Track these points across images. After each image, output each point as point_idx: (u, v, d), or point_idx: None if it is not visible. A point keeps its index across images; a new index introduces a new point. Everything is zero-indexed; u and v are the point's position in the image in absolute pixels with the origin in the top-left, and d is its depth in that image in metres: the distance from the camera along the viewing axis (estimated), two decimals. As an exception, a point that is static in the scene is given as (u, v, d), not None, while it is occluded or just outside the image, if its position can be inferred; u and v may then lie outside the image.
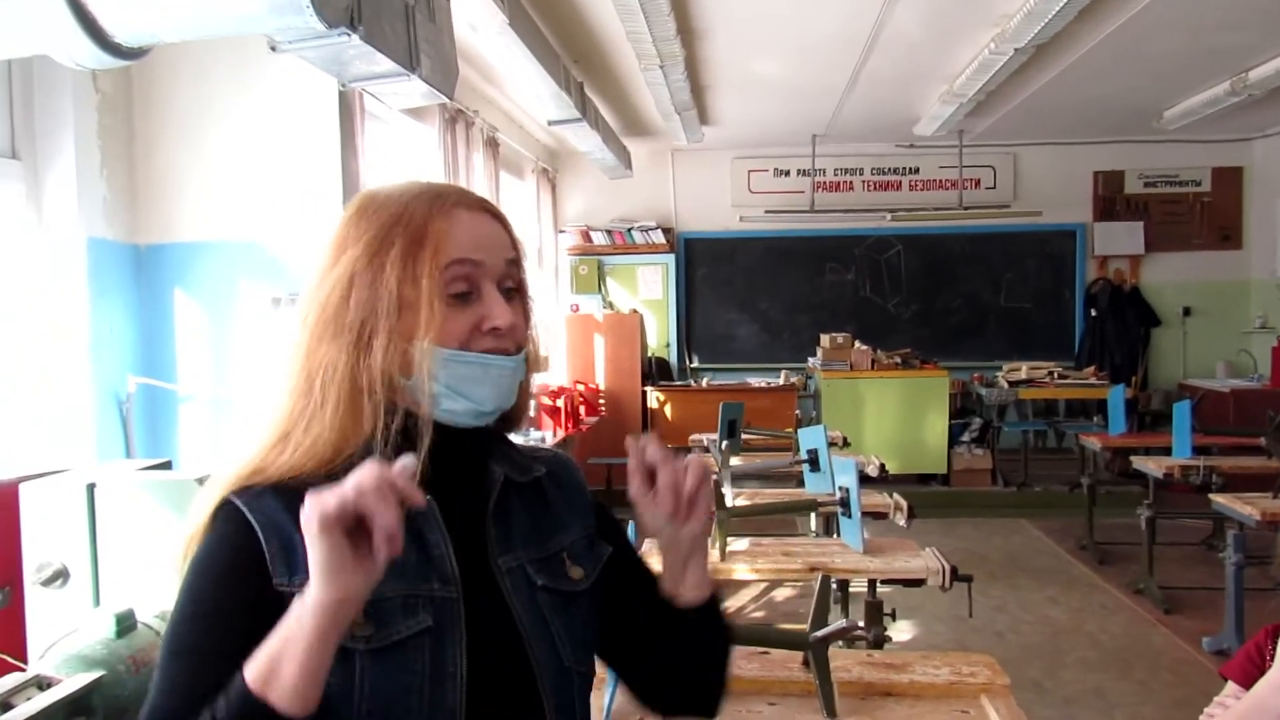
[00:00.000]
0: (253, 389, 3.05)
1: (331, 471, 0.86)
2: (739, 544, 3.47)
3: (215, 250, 3.08)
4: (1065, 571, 5.86)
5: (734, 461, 4.71)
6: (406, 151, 5.34)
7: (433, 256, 0.90)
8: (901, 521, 4.08)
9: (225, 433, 3.03)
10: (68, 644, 1.55)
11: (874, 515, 4.22)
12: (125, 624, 1.60)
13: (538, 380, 6.20)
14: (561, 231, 8.67)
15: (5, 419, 2.63)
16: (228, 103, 3.03)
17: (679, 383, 8.18)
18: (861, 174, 8.76)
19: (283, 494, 0.88)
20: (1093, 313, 8.46)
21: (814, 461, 4.31)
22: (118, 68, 2.29)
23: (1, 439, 2.58)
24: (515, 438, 1.08)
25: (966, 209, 8.13)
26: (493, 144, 6.45)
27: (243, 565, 0.86)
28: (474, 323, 0.93)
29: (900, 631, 4.74)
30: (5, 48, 2.20)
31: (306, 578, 0.78)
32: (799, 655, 2.23)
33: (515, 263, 0.98)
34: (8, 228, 2.66)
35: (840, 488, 3.41)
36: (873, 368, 7.52)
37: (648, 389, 7.86)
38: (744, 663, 2.30)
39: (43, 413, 2.71)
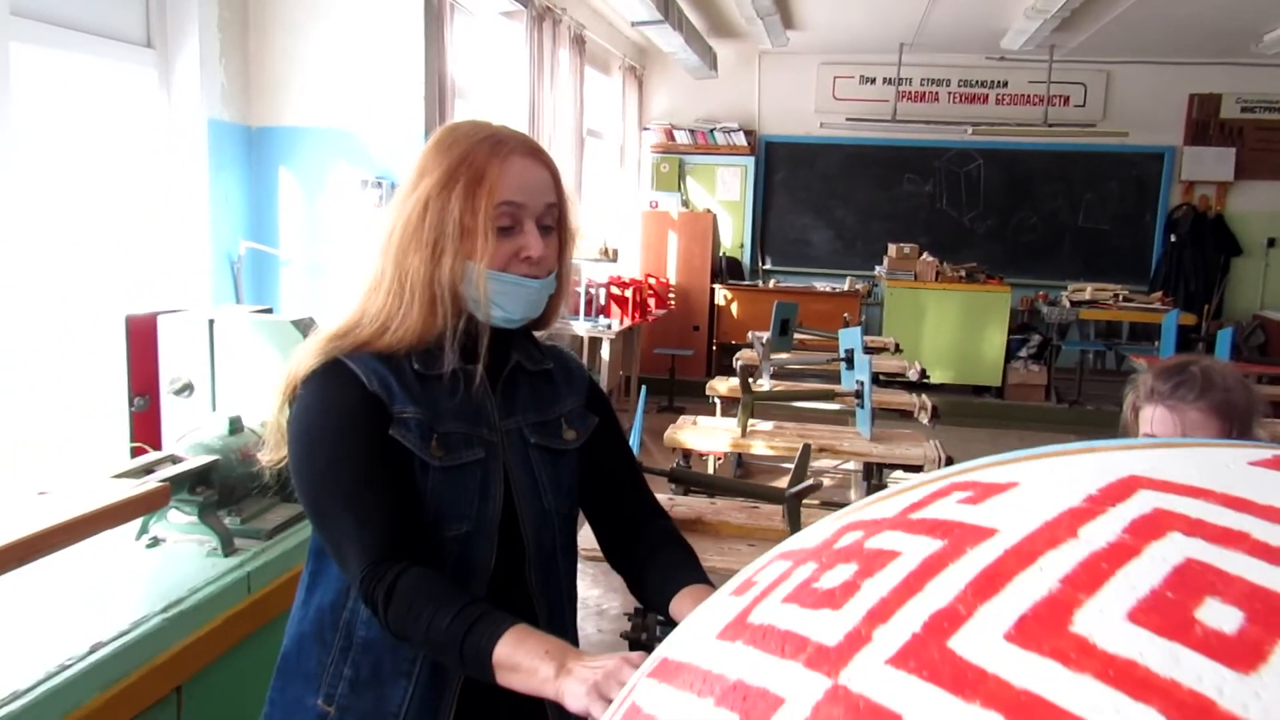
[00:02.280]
0: (341, 256, 3.53)
1: (416, 350, 1.21)
2: (764, 425, 3.86)
3: (314, 135, 3.51)
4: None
5: (778, 356, 5.07)
6: (495, 47, 5.66)
7: (488, 195, 1.16)
8: (925, 420, 4.41)
9: (317, 291, 3.52)
10: (193, 436, 2.05)
11: (902, 413, 4.56)
12: (235, 425, 2.09)
13: (611, 270, 6.58)
14: (646, 129, 8.90)
15: (143, 270, 3.15)
16: (330, 1, 3.42)
17: (747, 283, 8.48)
18: (948, 85, 8.73)
19: (382, 359, 1.20)
20: (1172, 238, 8.40)
21: (849, 360, 4.65)
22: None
23: (141, 284, 3.11)
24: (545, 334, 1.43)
25: (1051, 126, 8.08)
26: (579, 41, 6.71)
27: (358, 406, 1.18)
28: (514, 252, 1.19)
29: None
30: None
31: (405, 404, 1.17)
32: (780, 510, 2.63)
33: (555, 205, 1.24)
34: (142, 109, 3.13)
35: (857, 381, 3.75)
36: (937, 279, 7.69)
37: (716, 286, 8.18)
38: (735, 513, 2.71)
39: (171, 266, 3.23)
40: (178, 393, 2.20)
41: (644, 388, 3.31)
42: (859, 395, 3.70)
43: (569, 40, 6.53)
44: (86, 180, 3.00)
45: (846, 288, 8.04)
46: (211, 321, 2.20)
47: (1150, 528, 0.39)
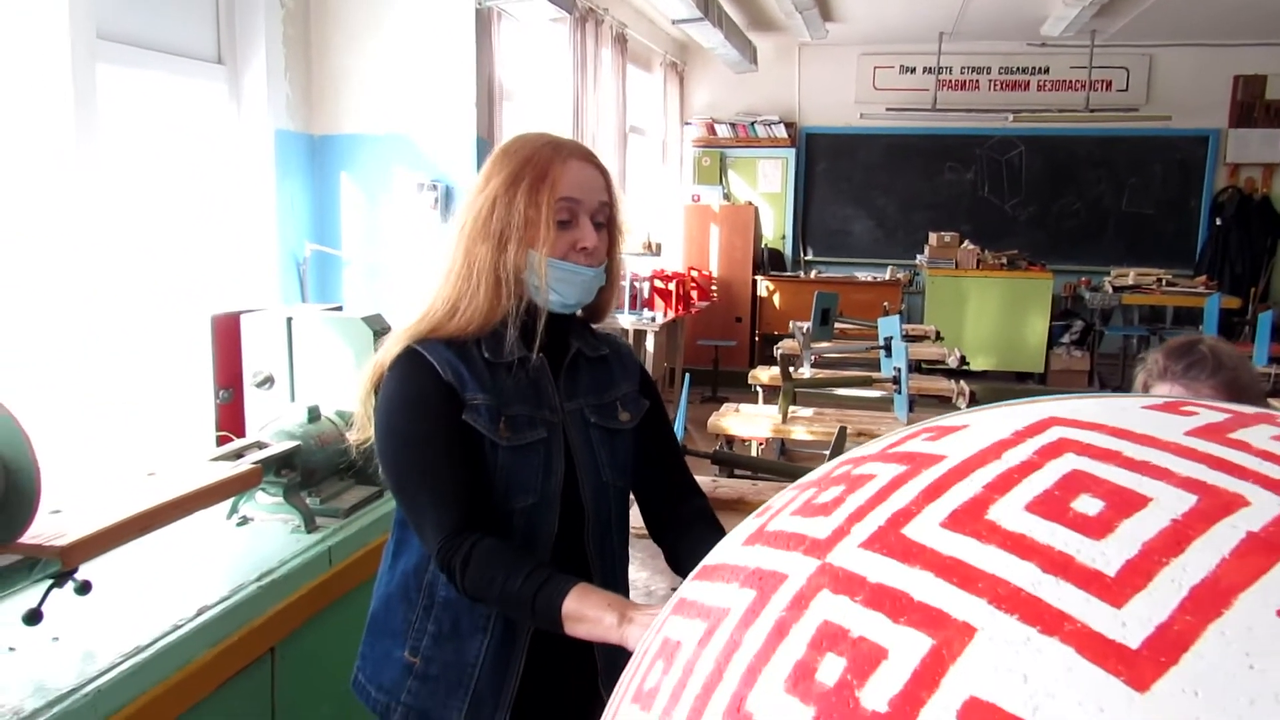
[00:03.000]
0: (399, 256, 3.73)
1: (484, 333, 1.35)
2: (805, 411, 3.99)
3: (373, 141, 3.71)
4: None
5: (818, 345, 5.19)
6: (541, 50, 5.82)
7: (550, 191, 1.31)
8: (963, 405, 4.51)
9: (378, 289, 3.72)
10: (275, 424, 2.24)
11: (940, 398, 4.67)
12: (313, 414, 2.28)
13: (654, 264, 6.72)
14: (688, 123, 9.04)
15: (218, 272, 3.37)
16: (385, 15, 3.61)
17: (788, 274, 8.58)
18: (989, 73, 8.74)
19: (452, 345, 1.35)
20: (1218, 222, 8.35)
21: (888, 348, 4.76)
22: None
23: (216, 285, 3.32)
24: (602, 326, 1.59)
25: (1093, 111, 8.07)
26: (621, 40, 6.86)
27: (434, 394, 1.33)
28: (571, 243, 1.34)
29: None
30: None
31: (475, 391, 1.32)
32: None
33: (607, 203, 1.39)
34: (214, 121, 3.35)
35: (894, 368, 3.87)
36: (978, 267, 7.74)
37: (758, 278, 8.30)
38: (775, 493, 2.85)
39: (242, 268, 3.45)
40: (259, 385, 2.40)
41: (687, 376, 3.46)
42: (896, 381, 3.82)
43: (611, 40, 6.68)
44: (165, 189, 3.21)
45: (888, 277, 8.11)
46: (290, 319, 2.39)
47: (1053, 450, 0.53)
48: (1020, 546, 0.47)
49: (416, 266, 3.69)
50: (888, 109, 8.59)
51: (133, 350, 2.93)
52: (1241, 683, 0.38)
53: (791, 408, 3.92)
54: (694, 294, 7.76)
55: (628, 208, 1.49)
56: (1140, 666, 0.40)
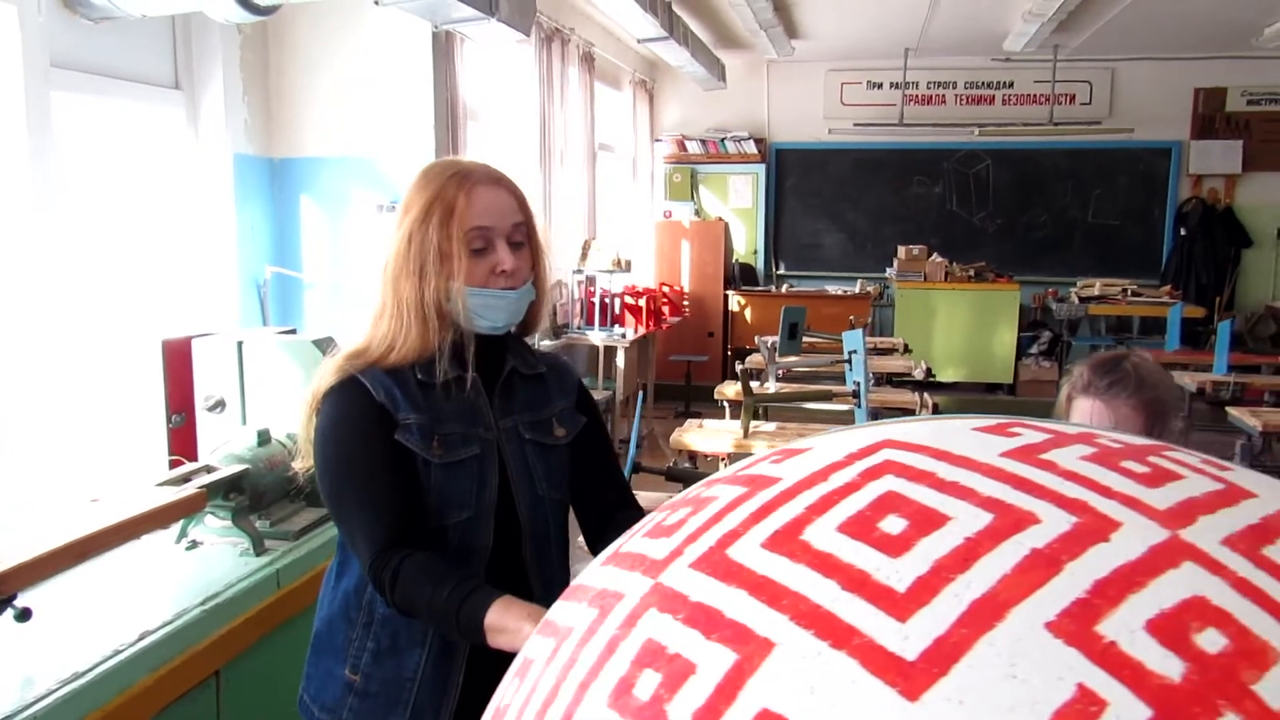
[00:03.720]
0: (360, 276, 3.74)
1: (420, 362, 1.38)
2: (768, 426, 4.03)
3: (333, 164, 3.73)
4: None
5: (784, 359, 5.23)
6: (507, 69, 5.86)
7: (459, 223, 1.35)
8: (927, 418, 4.56)
9: (339, 310, 3.74)
10: (225, 448, 2.25)
11: (903, 410, 4.71)
12: (263, 438, 2.29)
13: (626, 280, 6.74)
14: (658, 140, 9.10)
15: (176, 296, 3.38)
16: (343, 39, 3.64)
17: (760, 288, 8.64)
18: (955, 88, 8.85)
19: (390, 373, 1.38)
20: (1182, 232, 8.47)
21: (853, 361, 4.81)
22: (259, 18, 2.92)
23: (175, 308, 3.33)
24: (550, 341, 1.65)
25: (1056, 124, 8.19)
26: (588, 59, 6.92)
27: (366, 416, 1.36)
28: (490, 268, 1.37)
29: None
30: (168, 6, 2.84)
31: (408, 412, 1.35)
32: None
33: (522, 224, 1.42)
34: (172, 146, 3.36)
35: (854, 382, 3.91)
36: (946, 279, 7.81)
37: (729, 293, 8.35)
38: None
39: (202, 291, 3.45)
40: (211, 409, 2.41)
41: (641, 395, 3.48)
42: (856, 394, 3.86)
43: (578, 59, 6.74)
44: (123, 214, 3.22)
45: (858, 290, 8.18)
46: (240, 343, 2.41)
47: (875, 472, 0.56)
48: (826, 565, 0.49)
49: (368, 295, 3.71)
50: (855, 124, 8.68)
51: (89, 376, 2.93)
52: (1002, 691, 0.41)
53: (755, 422, 3.95)
54: (665, 309, 7.80)
55: (545, 225, 1.52)
56: (914, 678, 0.43)
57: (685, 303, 8.21)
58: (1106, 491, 0.52)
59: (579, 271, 6.56)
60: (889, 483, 0.55)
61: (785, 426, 4.01)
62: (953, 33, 7.66)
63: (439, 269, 1.35)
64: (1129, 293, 7.73)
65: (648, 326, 7.01)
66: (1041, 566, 0.47)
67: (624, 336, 6.55)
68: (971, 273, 7.87)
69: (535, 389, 1.52)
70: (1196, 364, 5.88)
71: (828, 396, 4.13)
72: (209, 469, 2.14)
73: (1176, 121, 8.47)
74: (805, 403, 4.25)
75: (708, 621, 0.50)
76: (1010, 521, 0.50)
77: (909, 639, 0.44)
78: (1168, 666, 0.41)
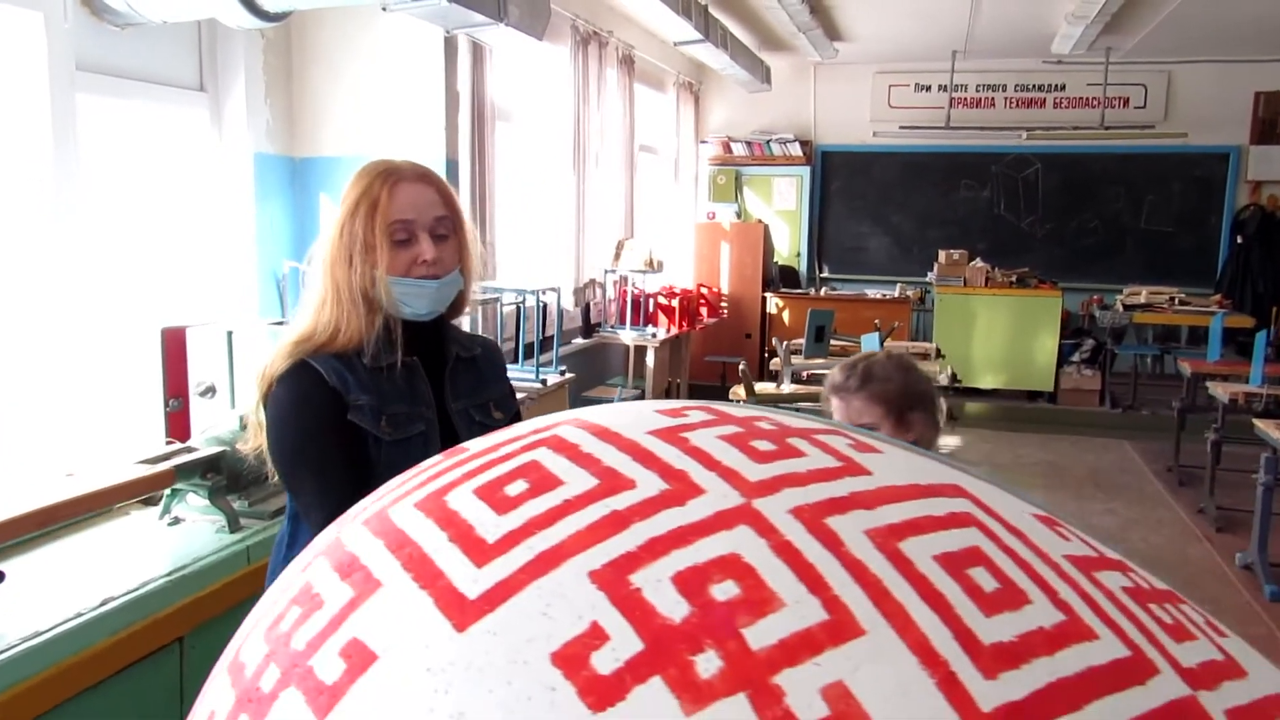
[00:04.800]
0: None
1: (363, 347, 1.47)
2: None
3: (350, 163, 3.84)
4: (1140, 489, 6.09)
5: (807, 361, 5.26)
6: (541, 71, 5.98)
7: (382, 216, 1.46)
8: (943, 422, 4.56)
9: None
10: (210, 431, 2.40)
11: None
12: (244, 422, 2.44)
13: (662, 281, 6.81)
14: (704, 142, 9.15)
15: (196, 289, 3.57)
16: (360, 43, 3.79)
17: (798, 290, 8.64)
18: (1004, 90, 8.74)
19: (339, 358, 1.48)
20: (1239, 239, 8.23)
21: (869, 365, 4.81)
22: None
23: (195, 302, 3.52)
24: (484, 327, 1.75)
25: (1108, 128, 8.03)
26: (628, 61, 7.01)
27: (320, 397, 1.46)
28: (412, 259, 1.47)
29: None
30: (186, 13, 3.02)
31: (359, 393, 1.45)
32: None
33: (446, 218, 1.52)
34: (196, 146, 3.55)
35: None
36: (986, 284, 7.72)
37: (767, 295, 8.37)
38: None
39: (224, 285, 3.64)
40: (202, 394, 2.56)
41: (619, 390, 3.54)
42: (856, 398, 3.89)
43: (617, 61, 6.83)
44: (147, 212, 3.41)
45: (897, 294, 8.13)
46: (230, 333, 2.56)
47: (536, 445, 0.63)
48: (447, 520, 0.56)
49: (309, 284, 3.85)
50: (901, 127, 8.62)
51: (107, 365, 3.12)
52: (531, 626, 0.47)
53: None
54: (704, 310, 7.86)
55: (470, 220, 1.62)
56: (468, 612, 0.50)
57: (723, 304, 8.26)
58: (712, 464, 0.59)
59: (611, 271, 6.66)
60: (538, 453, 0.61)
61: (788, 427, 4.06)
62: (1000, 35, 7.57)
63: (364, 259, 1.45)
64: (1176, 300, 7.54)
65: (680, 327, 7.08)
66: (611, 525, 0.53)
67: (655, 336, 6.63)
68: (1014, 278, 7.76)
69: (475, 374, 1.64)
70: (1238, 375, 5.73)
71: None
72: (190, 450, 2.29)
73: (1235, 125, 8.23)
74: (806, 403, 4.27)
75: (348, 566, 0.58)
76: (609, 487, 0.56)
77: (477, 581, 0.50)
78: (675, 610, 0.47)
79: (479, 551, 0.53)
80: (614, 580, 0.49)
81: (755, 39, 7.93)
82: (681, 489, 0.57)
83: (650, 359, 6.60)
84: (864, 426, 1.59)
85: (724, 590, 0.49)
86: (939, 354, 6.45)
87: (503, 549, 0.52)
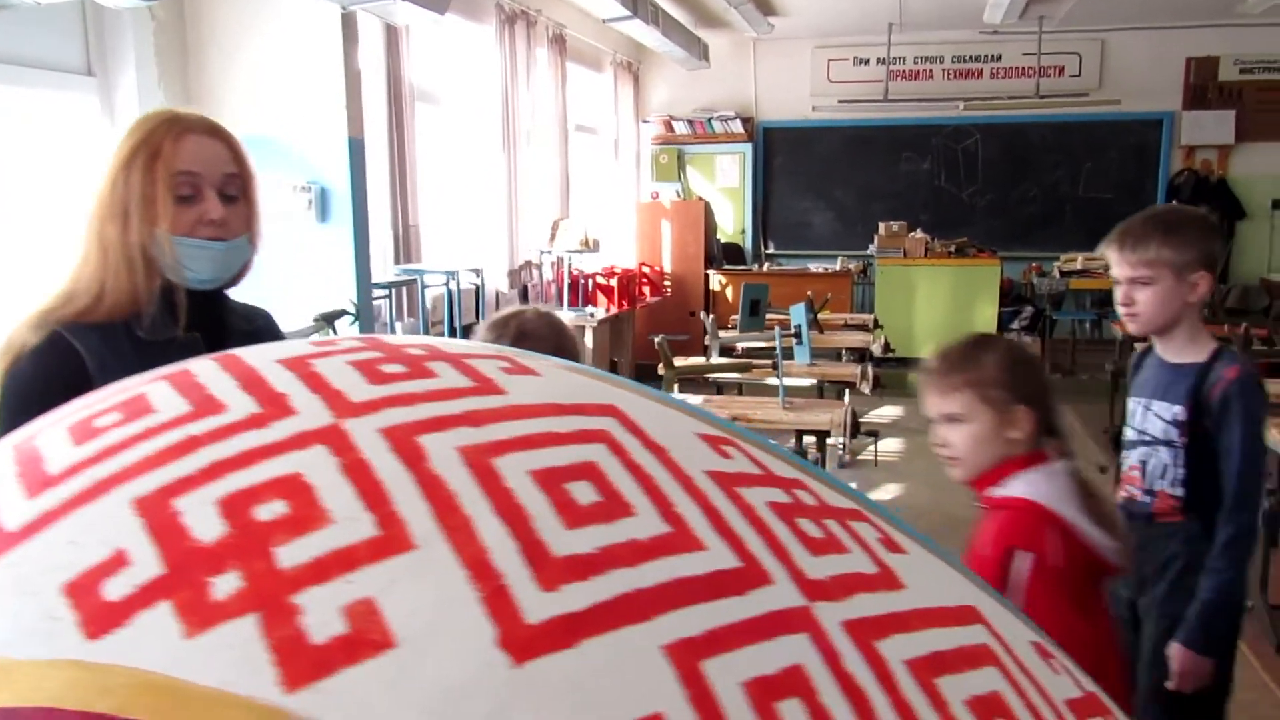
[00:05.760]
0: (279, 257, 3.82)
1: (133, 313, 1.31)
2: (695, 399, 4.05)
3: (252, 145, 3.79)
4: (1080, 451, 6.11)
5: (738, 335, 5.25)
6: (464, 51, 5.91)
7: (164, 167, 1.29)
8: (867, 390, 4.57)
9: (261, 291, 3.81)
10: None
11: (845, 384, 4.72)
12: None
13: (603, 261, 6.77)
14: (645, 121, 9.10)
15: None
16: (257, 24, 3.71)
17: (740, 267, 8.63)
18: (942, 62, 8.76)
19: (101, 330, 1.30)
20: (1174, 204, 8.31)
21: (799, 335, 4.82)
22: (144, 3, 3.00)
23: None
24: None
25: (1043, 98, 8.07)
26: (559, 40, 6.94)
27: (76, 386, 1.15)
28: (197, 217, 1.31)
29: (881, 490, 5.22)
30: (61, -6, 2.93)
31: (120, 376, 1.32)
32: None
33: (235, 176, 1.38)
34: (86, 133, 3.45)
35: (795, 326, 3.96)
36: (926, 255, 7.75)
37: (710, 272, 8.35)
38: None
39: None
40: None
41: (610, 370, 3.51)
42: (798, 336, 3.91)
43: (548, 40, 6.76)
44: (34, 201, 3.31)
45: (838, 267, 8.15)
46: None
47: (158, 379, 0.59)
48: (24, 456, 0.54)
49: (294, 266, 3.79)
50: (840, 101, 8.62)
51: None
52: (52, 556, 0.46)
53: (683, 397, 3.98)
54: (647, 289, 7.83)
55: (261, 182, 1.48)
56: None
57: (666, 282, 8.23)
58: (319, 386, 0.55)
59: (547, 251, 6.61)
60: (151, 386, 0.58)
61: (711, 399, 4.04)
62: (933, 6, 7.58)
63: (142, 214, 1.29)
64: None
65: (621, 306, 7.05)
66: (180, 450, 0.50)
67: (593, 316, 6.59)
68: (953, 248, 7.80)
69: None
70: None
71: (747, 369, 4.15)
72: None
73: (1168, 92, 8.31)
74: (722, 374, 4.27)
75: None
76: (198, 413, 0.53)
77: (20, 514, 0.49)
78: (209, 532, 0.45)
79: (36, 484, 0.51)
80: (157, 505, 0.47)
81: (690, 16, 7.88)
82: (271, 412, 0.54)
83: (589, 339, 6.57)
84: None
85: (270, 510, 0.47)
86: (876, 324, 6.48)
87: (60, 479, 0.50)
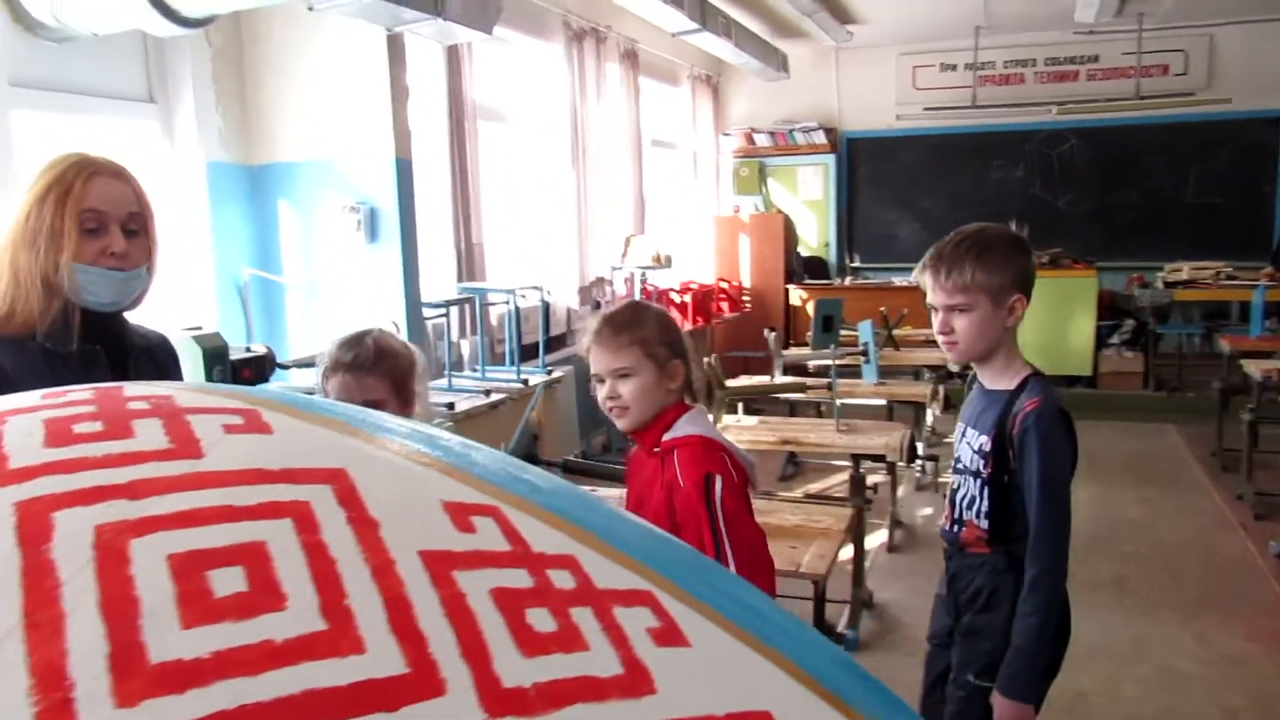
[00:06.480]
0: (333, 277, 3.87)
1: (42, 331, 1.47)
2: (750, 420, 3.93)
3: (306, 168, 3.86)
4: (1179, 476, 5.76)
5: (806, 352, 5.09)
6: (528, 67, 5.91)
7: (74, 205, 1.46)
8: (938, 411, 4.36)
9: (315, 310, 3.87)
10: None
11: (915, 405, 4.51)
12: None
13: (681, 277, 6.67)
14: (726, 134, 8.99)
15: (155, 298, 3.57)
16: (308, 48, 3.76)
17: (823, 281, 8.43)
18: (1034, 65, 8.39)
19: (11, 342, 1.47)
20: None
21: (866, 353, 4.64)
22: (196, 31, 3.06)
23: (153, 310, 3.52)
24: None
25: (1144, 98, 7.65)
26: (631, 56, 6.90)
27: None
28: (101, 249, 1.48)
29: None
30: (110, 25, 3.01)
31: (32, 381, 1.38)
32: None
33: (137, 214, 1.54)
34: (148, 156, 3.55)
35: (863, 343, 3.81)
36: (1017, 267, 7.40)
37: (790, 287, 8.17)
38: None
39: (179, 293, 3.64)
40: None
41: (538, 391, 3.45)
42: (865, 354, 3.74)
43: (619, 56, 6.73)
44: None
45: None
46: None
47: None
48: None
49: (345, 286, 3.83)
50: (925, 109, 8.35)
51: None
52: None
53: (738, 418, 3.86)
54: (724, 305, 7.71)
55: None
56: None
57: (745, 298, 8.09)
58: None
59: (618, 268, 6.55)
60: None
61: (767, 420, 3.90)
62: (1020, 7, 7.27)
63: (49, 244, 1.46)
64: (1223, 275, 7.13)
65: (694, 322, 6.94)
66: None
67: (664, 332, 6.49)
68: (1046, 259, 7.43)
69: (154, 365, 1.67)
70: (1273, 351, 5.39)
71: (802, 388, 4.00)
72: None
73: (1285, 88, 7.76)
74: (782, 394, 4.12)
75: None
76: None
77: None
78: None
79: None
80: None
81: (767, 27, 7.76)
82: None
83: (661, 356, 6.47)
84: (369, 404, 1.56)
85: None
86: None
87: None
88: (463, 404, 4.32)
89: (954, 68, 8.55)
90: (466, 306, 4.68)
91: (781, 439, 3.55)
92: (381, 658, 0.40)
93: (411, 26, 3.47)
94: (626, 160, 6.86)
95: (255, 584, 0.42)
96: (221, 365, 2.74)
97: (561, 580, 0.49)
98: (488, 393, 4.50)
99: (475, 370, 4.97)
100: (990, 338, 1.72)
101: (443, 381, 4.68)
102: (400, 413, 1.72)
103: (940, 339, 1.76)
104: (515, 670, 0.42)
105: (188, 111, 3.60)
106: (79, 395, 0.59)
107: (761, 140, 8.99)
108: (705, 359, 3.95)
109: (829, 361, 5.15)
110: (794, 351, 4.94)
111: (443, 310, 4.20)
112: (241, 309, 3.79)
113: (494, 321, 5.08)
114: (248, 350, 3.03)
